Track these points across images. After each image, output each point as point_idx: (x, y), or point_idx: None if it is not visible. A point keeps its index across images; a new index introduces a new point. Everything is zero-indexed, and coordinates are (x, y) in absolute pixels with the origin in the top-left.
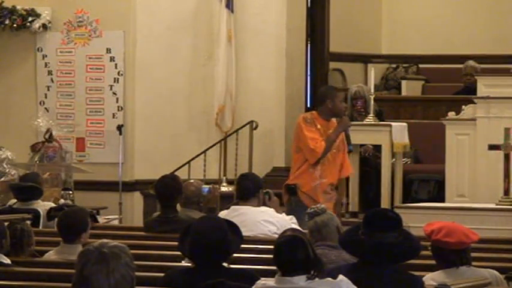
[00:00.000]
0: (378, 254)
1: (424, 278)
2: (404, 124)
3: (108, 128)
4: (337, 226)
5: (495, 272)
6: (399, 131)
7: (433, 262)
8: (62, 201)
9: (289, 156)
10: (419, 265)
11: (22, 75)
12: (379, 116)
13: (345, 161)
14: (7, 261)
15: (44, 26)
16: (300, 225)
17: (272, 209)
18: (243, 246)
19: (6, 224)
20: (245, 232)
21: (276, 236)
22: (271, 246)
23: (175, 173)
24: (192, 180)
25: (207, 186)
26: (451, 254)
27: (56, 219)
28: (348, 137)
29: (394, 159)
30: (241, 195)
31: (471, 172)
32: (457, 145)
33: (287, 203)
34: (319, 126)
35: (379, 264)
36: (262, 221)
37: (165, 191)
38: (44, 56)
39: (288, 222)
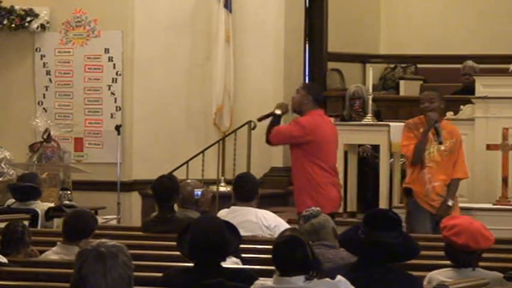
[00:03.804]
0: (377, 252)
1: (431, 273)
2: (403, 124)
3: (107, 128)
4: (333, 227)
5: (499, 274)
6: (397, 131)
7: (433, 262)
8: (66, 202)
9: (287, 157)
10: (420, 265)
11: (20, 75)
12: (378, 116)
13: (457, 162)
14: (4, 260)
15: (42, 26)
16: (416, 226)
17: (269, 212)
18: (241, 246)
19: (4, 224)
20: (243, 233)
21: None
22: (270, 246)
23: (174, 173)
24: (189, 180)
25: (200, 189)
26: (458, 253)
27: (61, 219)
28: (437, 131)
29: (392, 159)
30: (242, 197)
31: (469, 172)
32: None
33: (406, 205)
34: (422, 130)
35: (378, 264)
36: (262, 224)
37: (163, 191)
38: (42, 56)
39: (284, 224)
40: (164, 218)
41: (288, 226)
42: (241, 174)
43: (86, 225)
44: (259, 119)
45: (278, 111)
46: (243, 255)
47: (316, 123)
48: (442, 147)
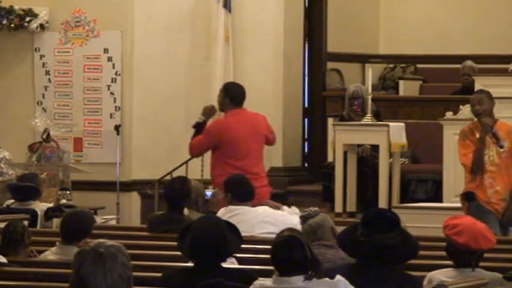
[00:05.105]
0: (377, 255)
1: (431, 273)
2: (402, 124)
3: (106, 128)
4: (332, 227)
5: (499, 275)
6: (397, 131)
7: (433, 262)
8: (63, 201)
9: (287, 157)
10: (420, 265)
11: (20, 76)
12: (377, 116)
13: None
14: (4, 260)
15: (42, 26)
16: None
17: (268, 207)
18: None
19: (4, 224)
20: (244, 232)
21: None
22: (269, 246)
23: (173, 173)
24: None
25: (211, 190)
26: (458, 253)
27: (60, 219)
28: (495, 136)
29: (391, 159)
30: (241, 198)
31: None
32: (455, 145)
33: (467, 210)
34: (478, 135)
35: (377, 265)
36: (262, 222)
37: (173, 196)
38: (41, 56)
39: (290, 220)
40: (170, 218)
41: (286, 216)
42: (237, 175)
43: (83, 226)
44: (193, 127)
45: (200, 119)
46: (243, 255)
47: (224, 125)
48: (501, 149)
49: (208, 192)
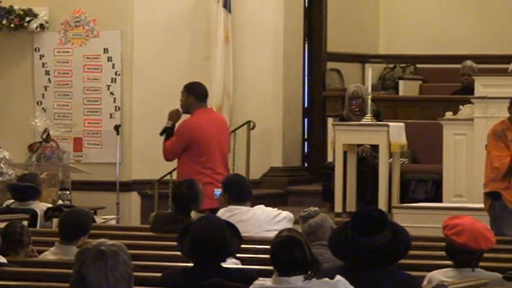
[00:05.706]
0: (370, 258)
1: (431, 273)
2: (402, 124)
3: (106, 128)
4: (332, 227)
5: (499, 275)
6: (397, 131)
7: (433, 262)
8: (60, 201)
9: (286, 156)
10: (420, 265)
11: (19, 75)
12: (377, 116)
13: None
14: (3, 260)
15: (42, 26)
16: (507, 231)
17: (263, 206)
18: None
19: (4, 224)
20: (242, 232)
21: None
22: (269, 246)
23: (173, 173)
24: None
25: (220, 189)
26: (458, 253)
27: (58, 218)
28: None
29: (391, 159)
30: (239, 198)
31: (468, 172)
32: (455, 145)
33: (489, 208)
34: (510, 137)
35: (374, 267)
36: (261, 220)
37: (181, 198)
38: (41, 56)
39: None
40: (175, 218)
41: (285, 214)
42: (235, 175)
43: (81, 224)
44: (161, 134)
45: (168, 124)
46: (242, 254)
47: (195, 125)
48: None
49: (217, 192)
